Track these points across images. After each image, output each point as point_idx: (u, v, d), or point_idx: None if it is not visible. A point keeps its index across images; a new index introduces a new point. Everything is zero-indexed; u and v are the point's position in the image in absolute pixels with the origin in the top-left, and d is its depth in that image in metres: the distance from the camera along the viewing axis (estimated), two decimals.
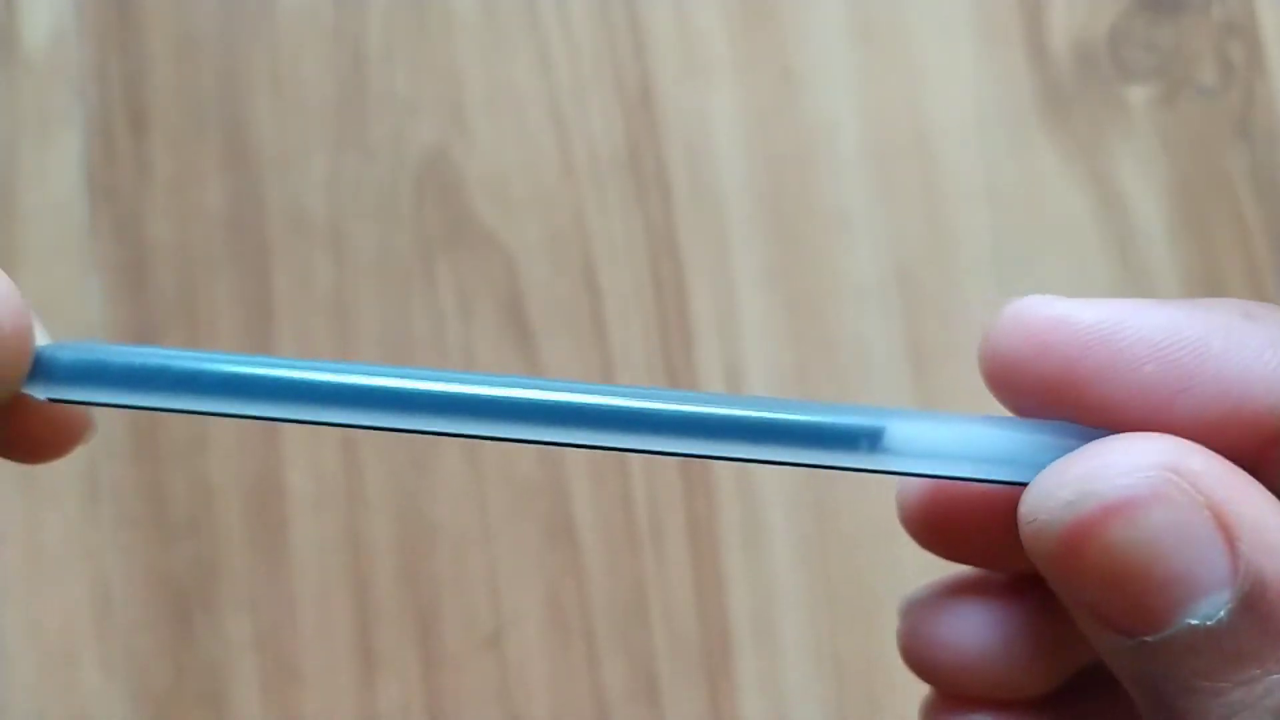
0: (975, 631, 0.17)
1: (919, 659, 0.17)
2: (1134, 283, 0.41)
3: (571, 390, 0.17)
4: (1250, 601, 0.14)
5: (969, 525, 0.17)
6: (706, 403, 0.16)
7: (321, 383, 0.17)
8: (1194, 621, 0.14)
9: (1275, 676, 0.14)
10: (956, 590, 0.18)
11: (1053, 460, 0.15)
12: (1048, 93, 0.42)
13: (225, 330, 0.40)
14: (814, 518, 0.40)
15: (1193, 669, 0.14)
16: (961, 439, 0.15)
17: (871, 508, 0.39)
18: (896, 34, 0.43)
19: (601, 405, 0.17)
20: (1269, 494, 0.14)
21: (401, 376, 0.17)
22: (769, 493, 0.40)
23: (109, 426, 0.40)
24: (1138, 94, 0.42)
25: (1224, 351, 0.14)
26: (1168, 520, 0.14)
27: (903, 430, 0.16)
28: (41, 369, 0.18)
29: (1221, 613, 0.14)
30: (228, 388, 0.17)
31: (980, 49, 0.42)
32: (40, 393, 0.18)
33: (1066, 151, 0.42)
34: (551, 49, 0.42)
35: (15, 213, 0.41)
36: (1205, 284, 0.41)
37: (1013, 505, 0.15)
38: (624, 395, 0.17)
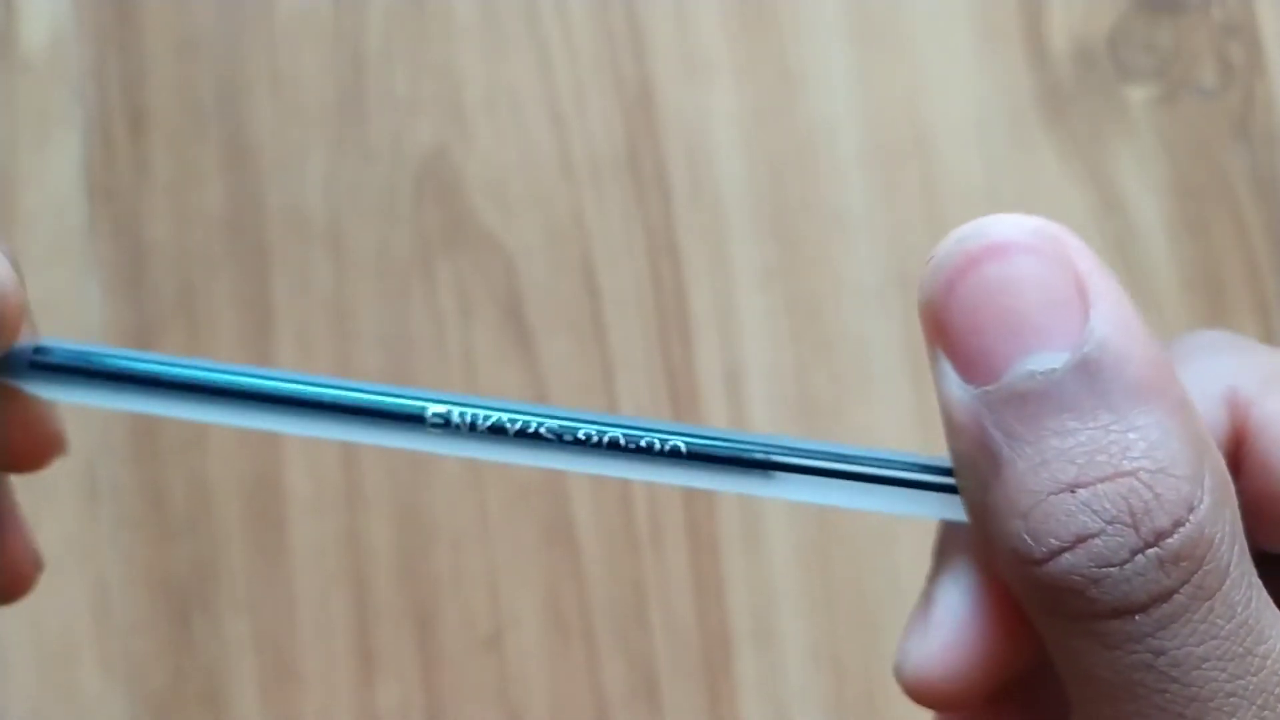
0: (948, 642, 0.18)
1: (919, 690, 0.18)
2: (1134, 283, 0.41)
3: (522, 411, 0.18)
4: (1086, 361, 0.15)
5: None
6: (610, 431, 0.17)
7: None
8: (1031, 368, 0.15)
9: (1089, 432, 0.15)
10: (925, 611, 0.19)
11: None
12: (1047, 93, 0.42)
13: (224, 331, 0.40)
14: (813, 519, 0.40)
15: (1019, 415, 0.15)
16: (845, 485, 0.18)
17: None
18: (896, 34, 0.43)
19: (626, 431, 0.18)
20: (1122, 286, 0.16)
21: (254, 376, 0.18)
22: None
23: (108, 427, 0.40)
24: (1137, 94, 0.42)
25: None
26: (1035, 269, 0.15)
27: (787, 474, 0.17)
28: (26, 360, 0.18)
29: (1058, 366, 0.15)
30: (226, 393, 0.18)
31: (980, 49, 0.42)
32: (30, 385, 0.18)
33: (1066, 152, 0.42)
34: (551, 50, 0.42)
35: (14, 213, 0.41)
36: (1205, 284, 0.41)
37: None
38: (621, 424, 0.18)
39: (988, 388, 0.15)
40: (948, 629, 0.18)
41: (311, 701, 0.39)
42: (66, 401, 0.18)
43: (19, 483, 0.20)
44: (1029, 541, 0.15)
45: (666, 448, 0.17)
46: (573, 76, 0.42)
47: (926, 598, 0.19)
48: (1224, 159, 0.42)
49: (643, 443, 0.17)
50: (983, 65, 0.42)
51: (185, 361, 0.18)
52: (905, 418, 0.40)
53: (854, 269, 0.41)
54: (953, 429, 0.16)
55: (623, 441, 0.17)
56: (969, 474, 0.16)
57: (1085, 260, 0.15)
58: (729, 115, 0.42)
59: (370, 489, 0.40)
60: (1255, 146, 0.42)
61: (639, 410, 0.40)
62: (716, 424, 0.40)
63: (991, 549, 0.16)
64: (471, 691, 0.39)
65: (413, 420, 0.18)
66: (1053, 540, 0.15)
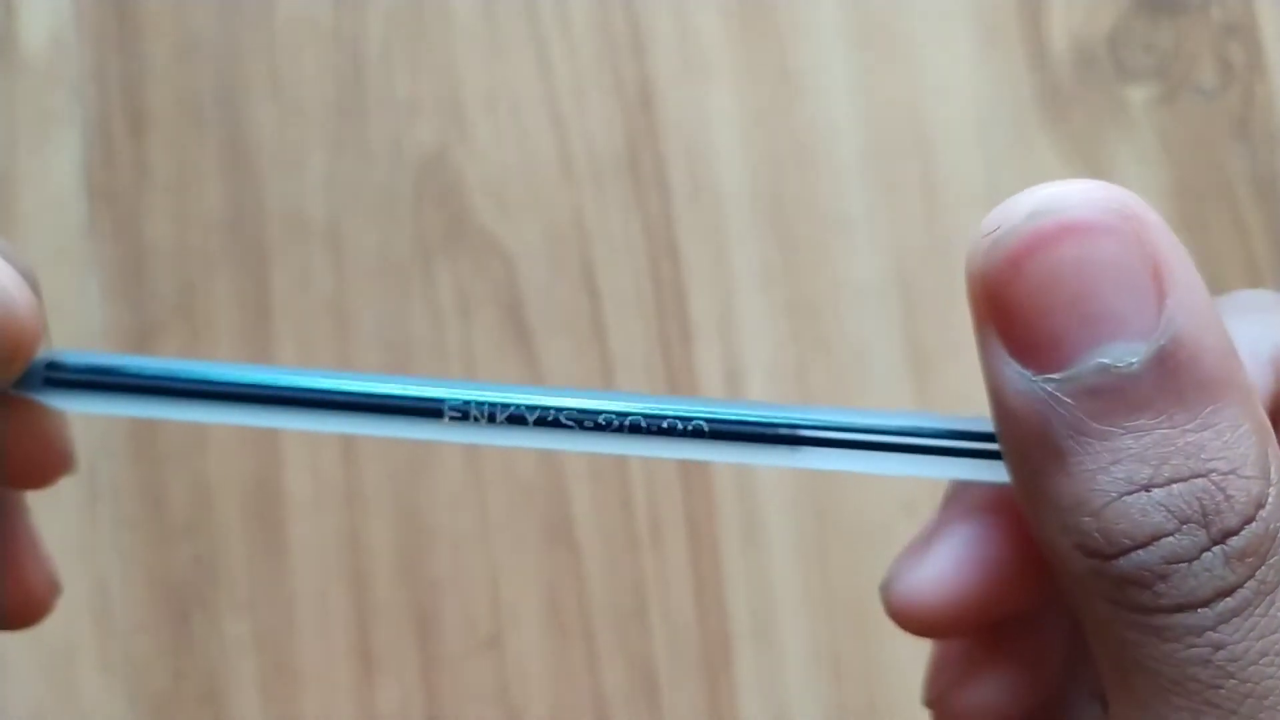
0: (951, 573, 0.18)
1: (907, 614, 0.19)
2: None
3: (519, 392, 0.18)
4: (1163, 356, 0.14)
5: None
6: (651, 401, 0.17)
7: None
8: (1105, 361, 0.14)
9: (1163, 431, 0.14)
10: (924, 543, 0.19)
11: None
12: (1047, 93, 0.42)
13: (224, 331, 0.40)
14: (813, 518, 0.40)
15: (1089, 409, 0.14)
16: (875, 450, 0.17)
17: (870, 508, 0.39)
18: (896, 35, 0.43)
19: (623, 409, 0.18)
20: (1197, 269, 0.15)
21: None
22: (768, 493, 0.40)
23: (109, 428, 0.40)
24: (1137, 95, 0.42)
25: None
26: (1114, 254, 0.14)
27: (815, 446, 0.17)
28: (40, 374, 0.18)
29: (1134, 360, 0.14)
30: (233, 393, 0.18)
31: (980, 50, 0.42)
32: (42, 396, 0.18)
33: (1066, 152, 0.42)
34: (551, 50, 0.42)
35: (14, 214, 0.41)
36: (1205, 284, 0.41)
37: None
38: (617, 399, 0.18)
39: (1054, 376, 0.15)
40: (946, 558, 0.18)
41: (311, 701, 0.39)
42: (81, 412, 0.18)
43: None
44: (1099, 539, 0.15)
45: (689, 428, 0.17)
46: (573, 76, 0.42)
47: (929, 531, 0.19)
48: (1224, 159, 0.42)
49: (664, 424, 0.17)
50: (983, 65, 0.42)
51: (196, 365, 0.18)
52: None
53: (854, 269, 0.41)
54: (1007, 415, 0.15)
55: (644, 425, 0.17)
56: (1022, 460, 0.15)
57: (1163, 241, 0.15)
58: (729, 116, 0.42)
59: (370, 489, 0.40)
60: (1255, 146, 0.42)
61: None
62: None
63: (1046, 533, 0.15)
64: (471, 691, 0.39)
65: (430, 415, 0.18)
66: (1126, 539, 0.14)
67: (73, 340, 0.40)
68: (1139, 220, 0.15)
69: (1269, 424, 0.15)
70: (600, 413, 0.17)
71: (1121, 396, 0.14)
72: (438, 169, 0.42)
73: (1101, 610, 0.15)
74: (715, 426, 0.17)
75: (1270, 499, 0.14)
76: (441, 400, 0.18)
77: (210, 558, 0.39)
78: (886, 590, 0.19)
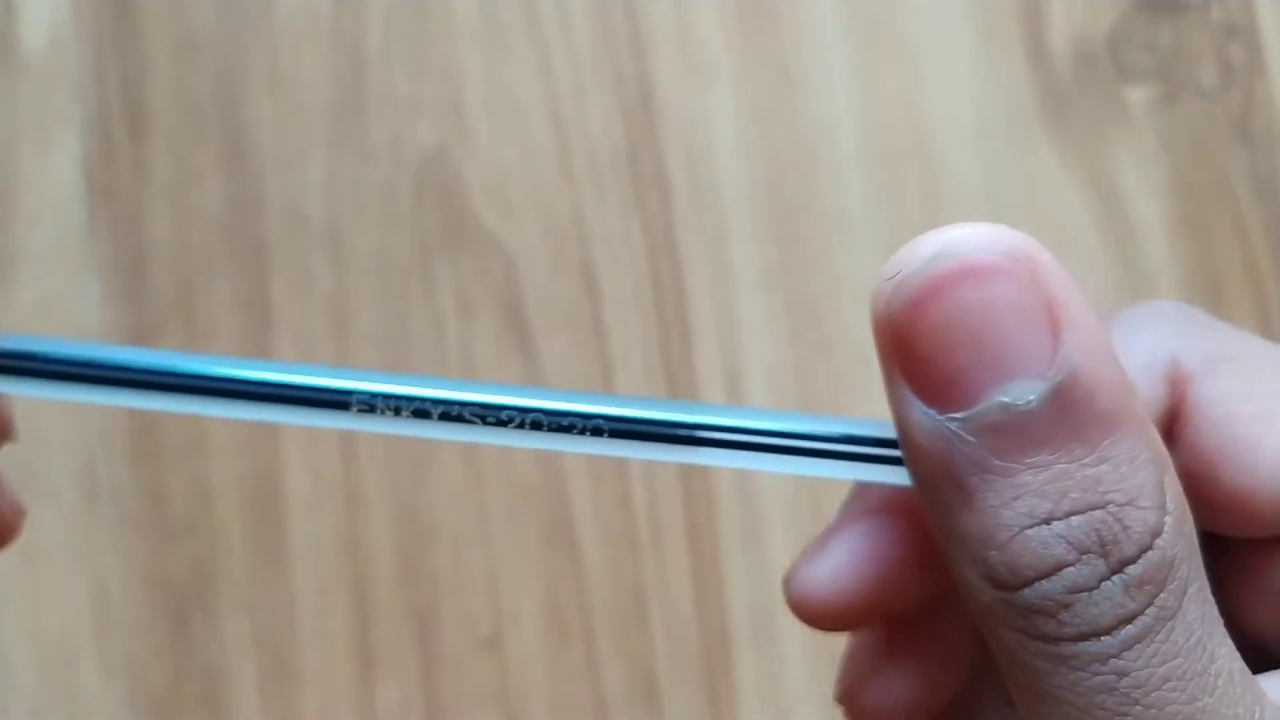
0: (847, 566, 0.19)
1: (805, 606, 0.20)
2: (1134, 283, 0.41)
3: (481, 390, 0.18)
4: (1059, 392, 0.15)
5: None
6: (531, 414, 0.18)
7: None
8: (1005, 400, 0.15)
9: (1061, 465, 0.15)
10: (824, 539, 0.20)
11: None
12: (1047, 94, 0.42)
13: (224, 331, 0.40)
14: (812, 519, 0.40)
15: (991, 447, 0.15)
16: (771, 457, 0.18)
17: None
18: (896, 35, 0.43)
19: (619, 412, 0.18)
20: (1093, 307, 0.16)
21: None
22: (768, 494, 0.40)
23: (108, 427, 0.40)
24: (1137, 95, 0.42)
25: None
26: (1011, 295, 0.15)
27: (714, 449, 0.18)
28: None
29: (1032, 397, 0.15)
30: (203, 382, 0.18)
31: (980, 50, 0.42)
32: None
33: (1066, 152, 0.42)
34: (551, 50, 0.42)
35: (14, 214, 0.41)
36: (1205, 284, 0.41)
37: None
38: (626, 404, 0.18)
39: (957, 415, 0.15)
40: (842, 552, 0.19)
41: (311, 702, 0.39)
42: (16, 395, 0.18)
43: (17, 482, 0.20)
44: (1004, 571, 0.15)
45: (588, 427, 0.18)
46: (573, 77, 0.42)
47: (829, 528, 0.19)
48: (1224, 159, 0.42)
49: (564, 422, 0.18)
50: (982, 66, 0.42)
51: (115, 350, 0.18)
52: None
53: (854, 269, 0.41)
54: (915, 453, 0.16)
55: (544, 422, 0.18)
56: (931, 496, 0.16)
57: (1057, 281, 0.15)
58: (729, 116, 0.42)
59: (370, 489, 0.40)
60: (1255, 146, 0.42)
61: None
62: None
63: (955, 565, 0.16)
64: (471, 692, 0.39)
65: (338, 406, 0.18)
66: (1030, 571, 0.15)
67: (68, 337, 0.40)
68: (1034, 262, 0.15)
69: (1166, 453, 0.16)
70: (504, 408, 0.18)
71: (1021, 433, 0.15)
72: (438, 169, 0.42)
73: (1009, 639, 0.15)
74: (614, 426, 0.18)
75: (1167, 527, 0.15)
76: (349, 393, 0.18)
77: (210, 557, 0.39)
78: (786, 584, 0.20)
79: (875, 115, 0.42)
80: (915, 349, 0.15)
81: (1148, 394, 0.18)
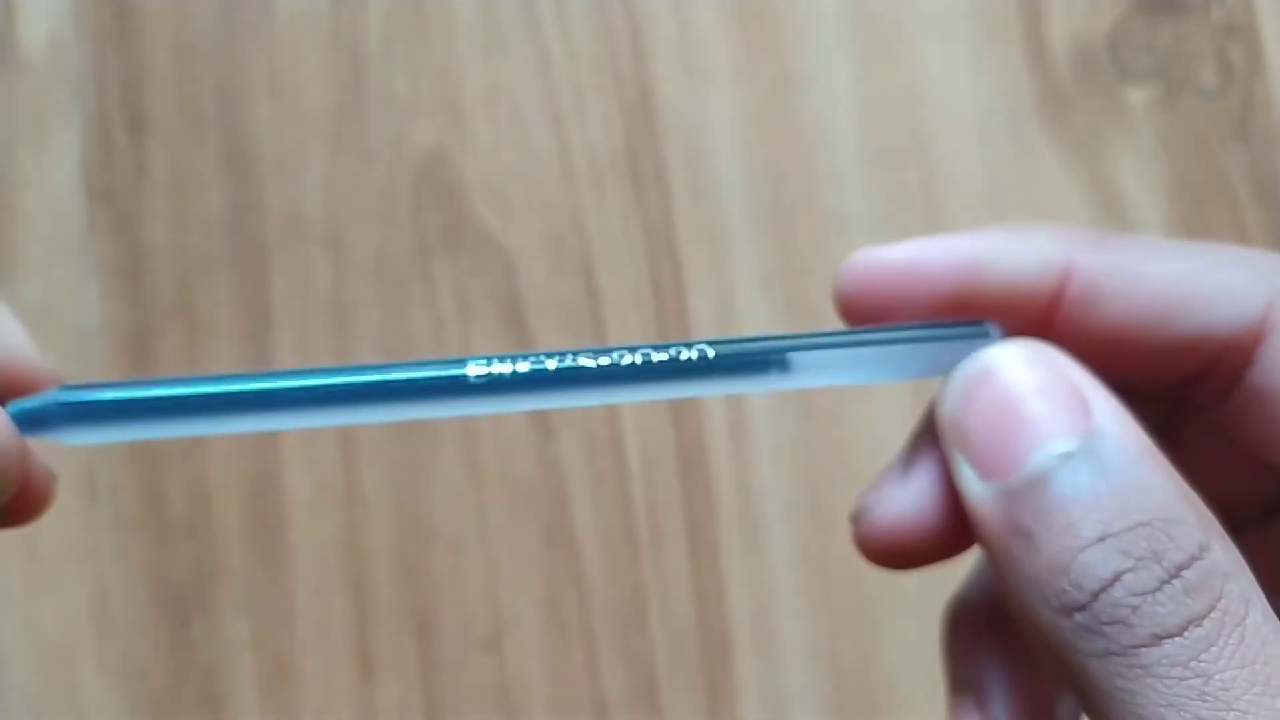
0: (923, 500, 0.20)
1: (874, 542, 0.21)
2: None
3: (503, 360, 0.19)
4: (1094, 445, 0.17)
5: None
6: (639, 350, 0.19)
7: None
8: (1046, 453, 0.17)
9: (1106, 498, 0.17)
10: (899, 472, 0.21)
11: (933, 350, 0.20)
12: (1047, 94, 0.42)
13: (223, 331, 0.40)
14: (812, 520, 0.40)
15: (1042, 495, 0.17)
16: (854, 355, 0.20)
17: None
18: (896, 36, 0.43)
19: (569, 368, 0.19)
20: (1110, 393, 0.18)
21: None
22: (767, 495, 0.40)
23: None
24: (1137, 95, 0.42)
25: (998, 261, 0.20)
26: (1041, 380, 0.18)
27: (806, 356, 0.20)
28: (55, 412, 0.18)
29: (1072, 450, 0.17)
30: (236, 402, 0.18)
31: (980, 51, 0.42)
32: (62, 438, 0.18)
33: (1066, 153, 0.42)
34: (550, 51, 0.42)
35: (14, 215, 0.41)
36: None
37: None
38: (559, 356, 0.19)
39: (1008, 480, 0.18)
40: (924, 485, 0.20)
41: (311, 702, 0.39)
42: (104, 442, 0.18)
43: None
44: (1072, 592, 0.17)
45: (694, 357, 0.19)
46: (572, 77, 0.42)
47: (904, 459, 0.21)
48: (1224, 159, 0.42)
49: (672, 357, 0.19)
50: (983, 66, 0.42)
51: (209, 379, 0.18)
52: (905, 418, 0.40)
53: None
54: (980, 523, 0.18)
55: (653, 361, 0.19)
56: (1003, 558, 0.18)
57: (1078, 372, 0.18)
58: (729, 116, 0.42)
59: (370, 489, 0.40)
60: (1255, 147, 0.42)
61: (638, 413, 0.40)
62: (715, 424, 0.40)
63: (1030, 611, 0.17)
64: (471, 692, 0.39)
65: (456, 384, 0.18)
66: (1095, 581, 0.17)
67: (72, 340, 0.40)
68: (1055, 357, 0.18)
69: (1201, 503, 0.18)
70: (612, 350, 0.19)
71: (1064, 477, 0.17)
72: (438, 169, 0.42)
73: (1095, 669, 0.17)
74: (720, 355, 0.20)
75: (1213, 546, 0.17)
76: (463, 364, 0.18)
77: (210, 558, 0.39)
78: (861, 519, 0.21)
79: (875, 115, 0.42)
80: (968, 434, 0.19)
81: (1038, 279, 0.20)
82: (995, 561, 0.18)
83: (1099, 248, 0.20)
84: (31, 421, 0.18)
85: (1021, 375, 0.18)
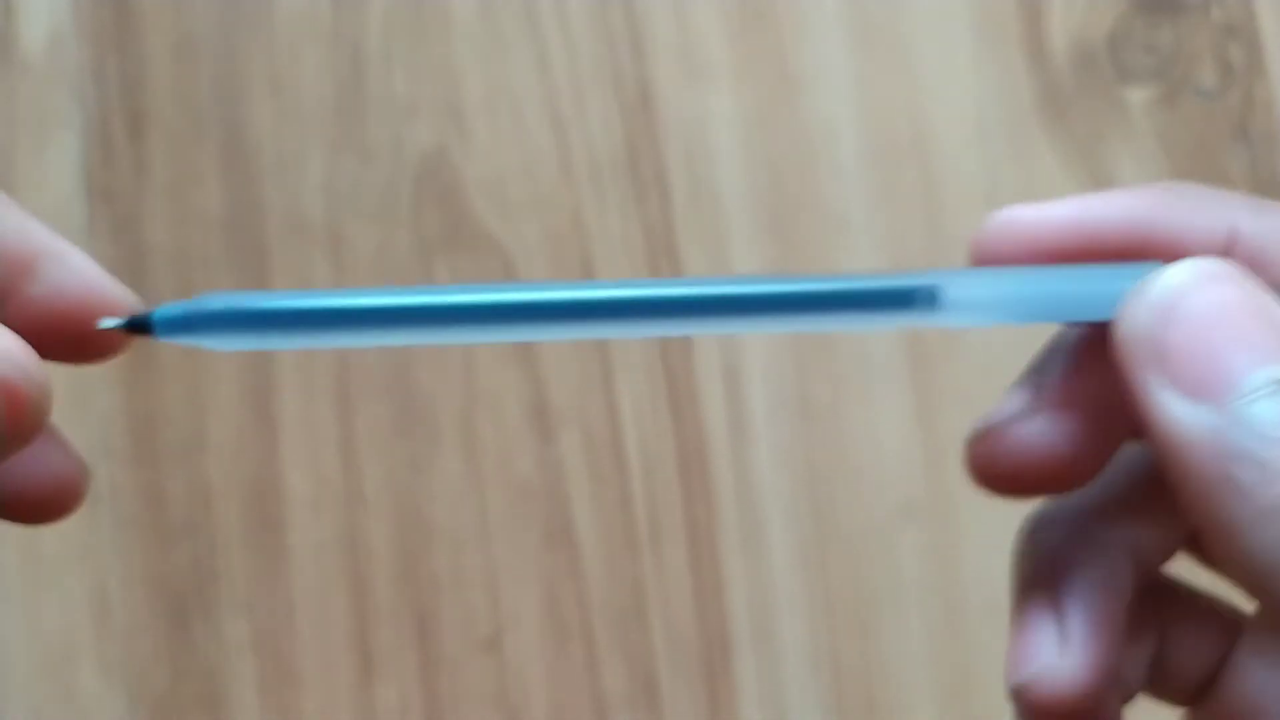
0: (1034, 437, 0.19)
1: (998, 467, 0.19)
2: None
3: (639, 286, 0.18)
4: None
5: None
6: (776, 281, 0.19)
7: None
8: (1271, 377, 0.16)
9: None
10: (1031, 395, 0.19)
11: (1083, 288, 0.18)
12: (1047, 94, 0.42)
13: None
14: (813, 520, 0.40)
15: (1272, 420, 0.16)
16: (1013, 289, 0.19)
17: (870, 510, 0.39)
18: (896, 35, 0.43)
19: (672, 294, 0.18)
20: None
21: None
22: (768, 495, 0.40)
23: (107, 429, 0.40)
24: (1137, 96, 0.42)
25: (1165, 220, 0.19)
26: (1252, 293, 0.17)
27: (956, 287, 0.18)
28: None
29: None
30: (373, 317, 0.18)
31: (980, 51, 0.42)
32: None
33: (1066, 153, 0.42)
34: (550, 51, 0.42)
35: None
36: None
37: None
38: (690, 284, 0.18)
39: (1227, 401, 0.16)
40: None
41: (311, 702, 0.39)
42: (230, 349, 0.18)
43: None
44: None
45: (837, 289, 0.18)
46: (572, 77, 0.42)
47: (1030, 383, 0.19)
48: (1224, 159, 0.42)
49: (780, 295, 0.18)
50: (982, 66, 0.42)
51: (356, 291, 0.18)
52: (905, 418, 0.40)
53: (854, 269, 0.41)
54: (1184, 448, 0.16)
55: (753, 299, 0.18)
56: (1219, 487, 0.16)
57: (1258, 284, 0.17)
58: (729, 116, 0.42)
59: (370, 489, 0.40)
60: (1255, 147, 0.42)
61: (638, 413, 0.40)
62: (715, 424, 0.40)
63: (1257, 552, 0.16)
64: (471, 692, 0.39)
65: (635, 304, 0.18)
66: None
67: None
68: (1238, 271, 0.17)
69: None
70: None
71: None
72: (437, 169, 0.42)
73: None
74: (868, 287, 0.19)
75: None
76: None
77: (209, 559, 0.39)
78: (984, 441, 0.19)
79: (875, 115, 0.42)
80: (1171, 351, 0.17)
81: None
82: (1202, 491, 0.16)
83: (1259, 212, 0.19)
84: (183, 324, 0.18)
85: (1233, 291, 0.17)
